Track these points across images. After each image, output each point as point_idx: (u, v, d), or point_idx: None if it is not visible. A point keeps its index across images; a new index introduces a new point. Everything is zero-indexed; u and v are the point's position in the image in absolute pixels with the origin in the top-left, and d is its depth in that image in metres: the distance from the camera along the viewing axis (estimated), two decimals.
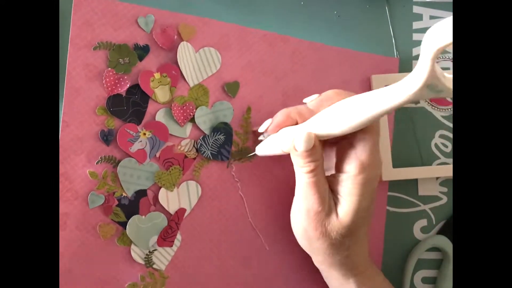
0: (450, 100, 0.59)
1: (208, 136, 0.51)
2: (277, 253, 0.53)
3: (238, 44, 0.53)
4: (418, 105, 0.59)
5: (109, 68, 0.49)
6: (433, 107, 0.59)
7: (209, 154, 0.51)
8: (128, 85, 0.49)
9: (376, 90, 0.38)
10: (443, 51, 0.57)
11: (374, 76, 0.55)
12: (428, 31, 0.33)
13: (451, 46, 0.33)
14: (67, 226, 0.48)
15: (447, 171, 0.56)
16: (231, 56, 0.53)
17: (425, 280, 0.58)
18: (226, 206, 0.52)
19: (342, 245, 0.45)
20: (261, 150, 0.49)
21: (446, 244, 0.56)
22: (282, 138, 0.45)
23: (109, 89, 0.49)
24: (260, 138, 0.50)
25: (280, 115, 0.46)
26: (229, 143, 0.52)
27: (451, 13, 0.58)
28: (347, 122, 0.39)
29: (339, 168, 0.45)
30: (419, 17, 0.60)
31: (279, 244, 0.53)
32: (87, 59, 0.48)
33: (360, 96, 0.39)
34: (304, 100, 0.45)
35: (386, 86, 0.54)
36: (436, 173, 0.57)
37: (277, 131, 0.46)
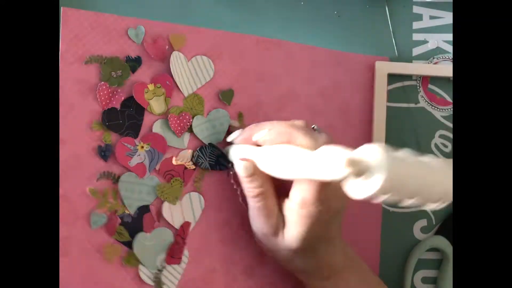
0: (450, 100, 0.59)
1: (205, 146, 0.50)
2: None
3: (230, 51, 0.53)
4: (418, 105, 0.59)
5: (102, 82, 0.47)
6: (433, 107, 0.59)
7: (207, 165, 0.50)
8: (122, 98, 0.48)
9: (311, 156, 0.38)
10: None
11: (378, 62, 0.56)
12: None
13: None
14: (70, 252, 0.46)
15: None
16: (223, 64, 0.52)
17: (425, 280, 0.58)
18: (230, 215, 0.51)
19: (294, 260, 0.46)
20: (230, 155, 0.50)
21: (445, 244, 0.57)
22: (236, 155, 0.48)
23: (103, 103, 0.47)
24: (228, 139, 0.50)
25: (244, 133, 0.47)
26: (225, 155, 0.51)
27: (451, 13, 0.59)
28: (280, 173, 0.42)
29: (289, 195, 0.45)
30: (419, 17, 0.60)
31: None
32: (79, 74, 0.47)
33: (295, 153, 0.40)
34: (253, 138, 0.46)
35: (388, 74, 0.57)
36: None
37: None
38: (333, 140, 0.42)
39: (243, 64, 0.53)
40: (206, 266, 0.50)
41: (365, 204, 0.54)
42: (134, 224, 0.48)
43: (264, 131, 0.44)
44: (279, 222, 0.45)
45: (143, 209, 0.48)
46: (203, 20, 0.54)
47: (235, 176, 0.49)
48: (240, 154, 0.47)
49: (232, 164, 0.50)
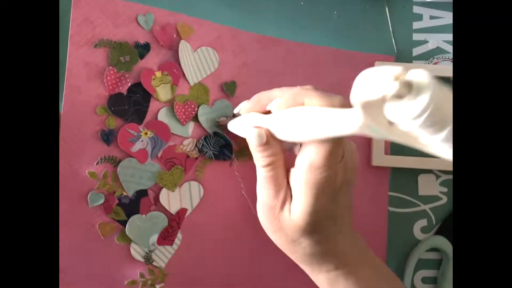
0: None
1: (210, 136, 0.51)
2: (277, 251, 0.54)
3: (232, 45, 0.53)
4: None
5: (110, 67, 0.48)
6: None
7: (211, 154, 0.51)
8: (129, 84, 0.48)
9: (327, 111, 0.36)
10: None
11: (378, 63, 0.57)
12: (359, 78, 0.32)
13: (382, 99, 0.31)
14: (67, 224, 0.47)
15: (439, 164, 0.57)
16: (226, 57, 0.53)
17: (425, 280, 0.59)
18: (228, 205, 0.52)
19: (301, 243, 0.43)
20: (232, 127, 0.48)
21: (445, 244, 0.57)
22: (245, 124, 0.45)
23: (110, 88, 0.48)
24: (235, 110, 0.49)
25: (252, 101, 0.45)
26: (229, 146, 0.52)
27: (451, 13, 0.59)
28: (296, 135, 0.39)
29: (297, 161, 0.42)
30: (419, 17, 0.60)
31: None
32: (87, 57, 0.47)
33: (311, 112, 0.38)
34: (267, 107, 0.44)
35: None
36: (429, 165, 0.57)
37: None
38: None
39: (245, 58, 0.53)
40: (199, 250, 0.52)
41: (372, 204, 0.56)
42: (131, 206, 0.49)
43: (277, 99, 0.42)
44: (287, 196, 0.42)
45: (141, 193, 0.49)
46: (204, 19, 0.53)
47: (238, 166, 0.50)
48: (250, 123, 0.44)
49: (234, 154, 0.50)
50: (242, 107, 0.46)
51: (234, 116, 0.49)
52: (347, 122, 0.33)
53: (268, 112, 0.44)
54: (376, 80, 0.30)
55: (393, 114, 0.31)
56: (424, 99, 0.28)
